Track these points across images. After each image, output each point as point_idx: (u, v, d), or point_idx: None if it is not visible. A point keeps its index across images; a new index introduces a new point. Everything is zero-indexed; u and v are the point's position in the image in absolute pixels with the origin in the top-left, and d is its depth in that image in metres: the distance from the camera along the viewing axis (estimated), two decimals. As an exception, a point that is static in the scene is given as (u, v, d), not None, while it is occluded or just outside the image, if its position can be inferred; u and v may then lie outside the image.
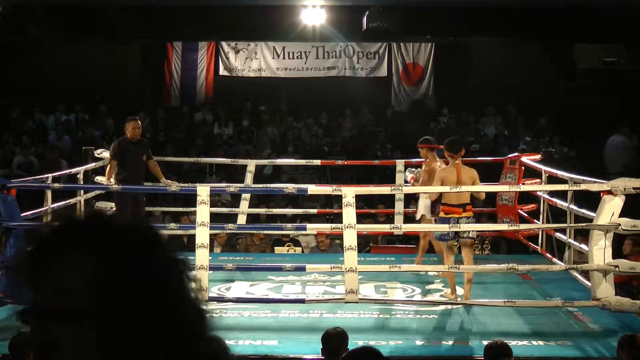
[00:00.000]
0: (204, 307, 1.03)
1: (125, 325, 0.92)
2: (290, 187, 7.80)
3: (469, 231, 6.96)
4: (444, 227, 7.69)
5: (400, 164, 9.79)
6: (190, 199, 8.78)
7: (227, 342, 1.06)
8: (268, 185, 11.28)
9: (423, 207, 8.00)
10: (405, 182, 8.19)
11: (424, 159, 8.09)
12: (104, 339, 0.92)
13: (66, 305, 0.92)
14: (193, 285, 1.02)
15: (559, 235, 8.04)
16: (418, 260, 8.16)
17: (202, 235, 6.35)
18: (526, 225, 8.97)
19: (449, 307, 6.73)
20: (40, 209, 7.65)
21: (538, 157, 9.18)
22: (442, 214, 6.99)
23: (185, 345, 0.96)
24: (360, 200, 9.22)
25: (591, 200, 6.80)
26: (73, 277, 0.94)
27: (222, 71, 16.42)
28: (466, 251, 7.02)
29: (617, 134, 14.04)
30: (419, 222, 8.18)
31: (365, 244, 10.19)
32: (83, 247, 0.96)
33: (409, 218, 9.09)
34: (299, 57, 16.33)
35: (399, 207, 9.49)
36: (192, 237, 7.70)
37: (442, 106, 16.32)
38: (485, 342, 4.50)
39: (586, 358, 5.47)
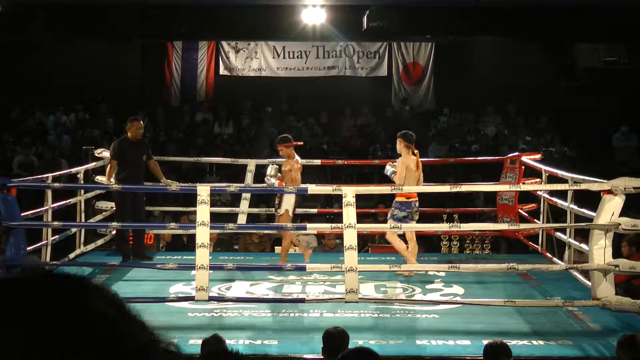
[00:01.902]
0: (150, 340, 1.02)
1: None
2: (290, 187, 7.79)
3: (417, 214, 7.89)
4: (444, 227, 7.70)
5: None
6: (190, 199, 8.79)
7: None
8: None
9: (288, 202, 8.05)
10: (273, 186, 8.05)
11: (285, 158, 8.21)
12: None
13: None
14: (134, 320, 1.02)
15: (559, 234, 8.04)
16: (283, 259, 8.22)
17: (203, 234, 6.35)
18: (526, 224, 8.97)
19: (449, 306, 6.73)
20: (40, 209, 7.66)
21: (538, 156, 9.18)
22: (403, 199, 7.72)
23: None
24: (360, 199, 9.22)
25: (591, 200, 6.80)
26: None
27: (222, 71, 16.43)
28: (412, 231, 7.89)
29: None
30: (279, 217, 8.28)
31: (364, 243, 10.19)
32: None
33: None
34: (299, 56, 16.34)
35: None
36: (192, 237, 7.71)
37: (442, 106, 16.33)
38: (485, 342, 4.49)
39: (586, 357, 5.47)
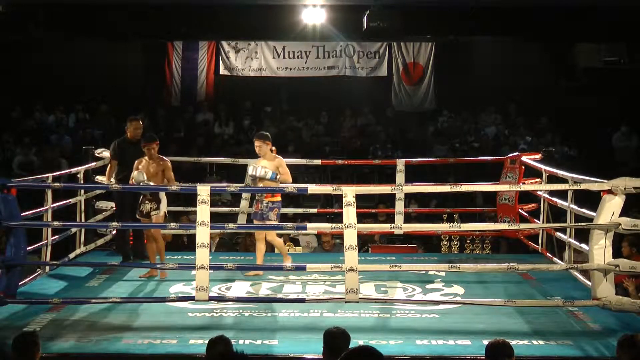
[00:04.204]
0: None
1: None
2: (290, 187, 7.80)
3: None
4: (444, 227, 7.66)
5: (400, 163, 9.79)
6: (190, 199, 8.78)
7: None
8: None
9: (164, 204, 8.00)
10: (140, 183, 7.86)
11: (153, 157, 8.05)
12: None
13: None
14: None
15: (559, 234, 8.04)
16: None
17: (203, 234, 6.35)
18: (526, 224, 8.97)
19: (449, 306, 6.73)
20: (40, 209, 7.66)
21: (538, 156, 9.19)
22: (278, 198, 7.84)
23: None
24: (360, 199, 9.24)
25: (591, 200, 6.80)
26: None
27: (222, 71, 16.42)
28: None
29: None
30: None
31: (364, 243, 10.18)
32: None
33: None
34: (300, 56, 16.34)
35: (399, 206, 9.50)
36: (192, 237, 7.70)
37: (442, 106, 16.33)
38: (485, 342, 4.48)
39: (586, 357, 5.47)
